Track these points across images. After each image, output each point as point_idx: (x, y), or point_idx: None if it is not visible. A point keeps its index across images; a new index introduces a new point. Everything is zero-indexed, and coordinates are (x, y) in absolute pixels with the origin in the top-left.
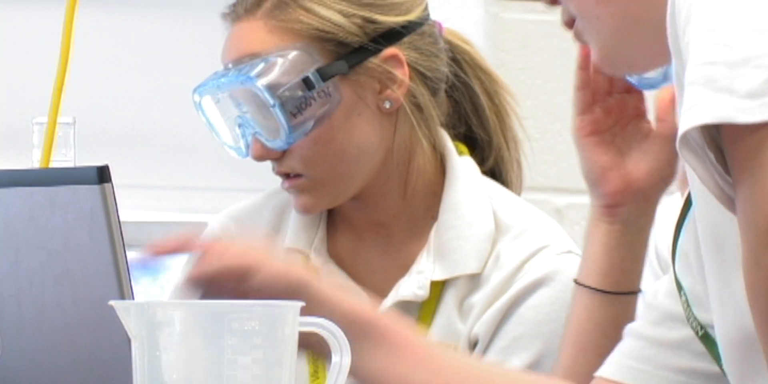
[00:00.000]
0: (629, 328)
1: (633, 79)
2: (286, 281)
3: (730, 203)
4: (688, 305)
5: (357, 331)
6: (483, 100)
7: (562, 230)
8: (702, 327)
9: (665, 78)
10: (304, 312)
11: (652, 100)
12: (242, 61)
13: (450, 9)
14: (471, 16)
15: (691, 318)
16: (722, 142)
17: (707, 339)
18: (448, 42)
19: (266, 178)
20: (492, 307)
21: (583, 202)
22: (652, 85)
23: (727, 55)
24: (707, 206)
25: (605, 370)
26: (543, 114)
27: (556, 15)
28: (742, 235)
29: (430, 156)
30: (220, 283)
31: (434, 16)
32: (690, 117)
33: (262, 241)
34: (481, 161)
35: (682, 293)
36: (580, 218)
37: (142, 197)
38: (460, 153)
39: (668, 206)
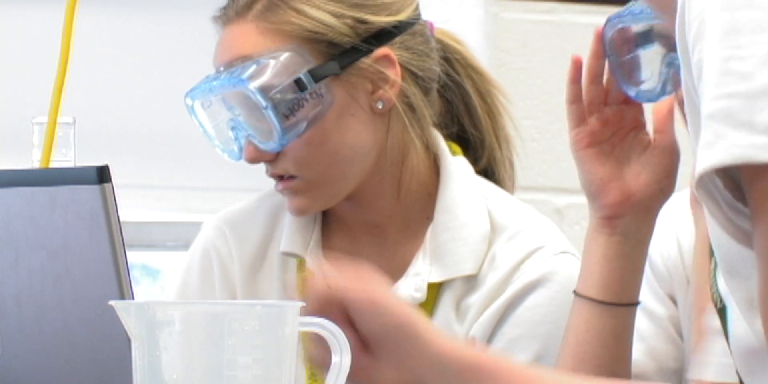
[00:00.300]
0: (709, 325)
1: (631, 92)
2: (394, 321)
3: (742, 236)
4: (714, 274)
5: (455, 376)
6: (475, 99)
7: (558, 230)
8: (721, 300)
9: (663, 91)
10: (402, 354)
11: (650, 111)
12: (234, 64)
13: (449, 9)
14: (471, 16)
15: (714, 288)
16: (740, 178)
17: (723, 314)
18: (440, 41)
19: (266, 178)
20: (489, 309)
21: (583, 202)
22: (650, 98)
23: (745, 87)
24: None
25: (701, 373)
26: (543, 114)
27: (556, 15)
28: (760, 271)
29: (424, 156)
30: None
31: (434, 16)
32: (708, 156)
33: (376, 277)
34: (473, 161)
35: (712, 260)
36: (580, 218)
37: (142, 197)
38: (453, 153)
39: (662, 213)
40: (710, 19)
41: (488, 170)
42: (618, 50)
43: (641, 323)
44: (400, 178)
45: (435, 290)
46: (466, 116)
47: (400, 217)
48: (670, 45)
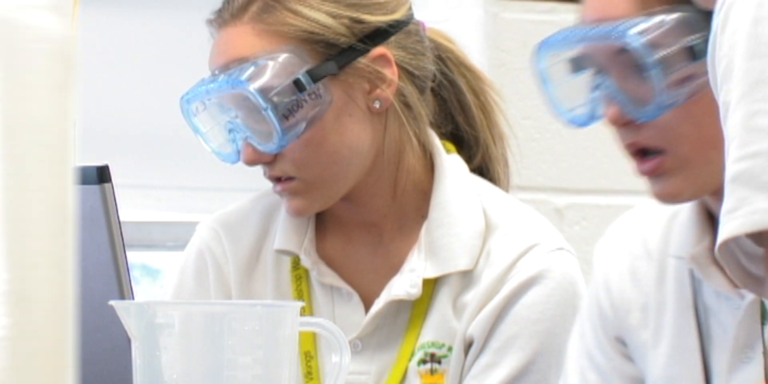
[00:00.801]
0: None
1: (564, 118)
2: None
3: (759, 289)
4: None
5: None
6: (469, 97)
7: (553, 227)
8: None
9: (593, 116)
10: None
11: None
12: (230, 66)
13: (449, 9)
14: (471, 16)
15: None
16: (763, 242)
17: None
18: (432, 40)
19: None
20: (486, 308)
21: (583, 202)
22: (583, 123)
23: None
24: None
25: None
26: (543, 114)
27: (556, 15)
28: None
29: (420, 155)
30: None
31: (433, 16)
32: (730, 224)
33: None
34: (468, 159)
35: None
36: (580, 218)
37: (142, 197)
38: (447, 151)
39: (613, 253)
40: (738, 64)
41: (483, 168)
42: (551, 77)
43: (590, 375)
44: (397, 177)
45: (431, 286)
46: (460, 114)
47: (395, 216)
48: (599, 65)
